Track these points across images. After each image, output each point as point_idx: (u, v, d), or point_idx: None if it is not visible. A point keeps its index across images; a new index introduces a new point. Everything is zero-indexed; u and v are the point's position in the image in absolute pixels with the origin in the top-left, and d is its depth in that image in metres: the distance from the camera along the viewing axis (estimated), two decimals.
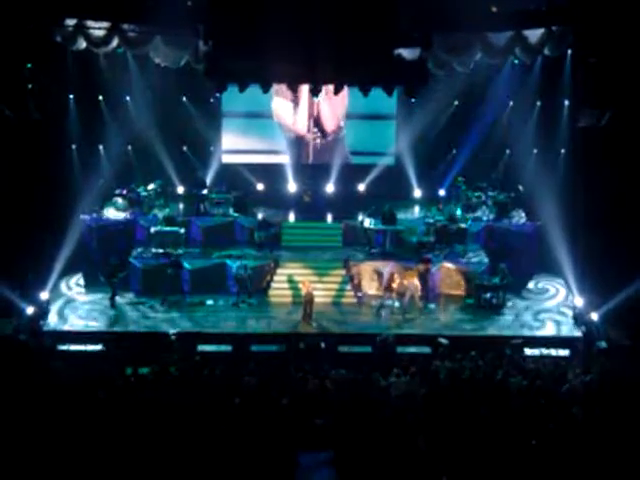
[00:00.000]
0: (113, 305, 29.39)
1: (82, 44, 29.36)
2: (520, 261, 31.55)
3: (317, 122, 36.36)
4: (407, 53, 26.46)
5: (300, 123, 36.37)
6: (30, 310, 27.71)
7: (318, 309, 29.29)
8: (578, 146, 30.59)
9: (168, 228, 31.77)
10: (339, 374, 22.01)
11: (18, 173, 29.60)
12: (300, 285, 29.41)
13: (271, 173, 36.24)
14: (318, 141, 36.66)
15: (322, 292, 30.33)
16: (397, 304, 29.58)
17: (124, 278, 30.03)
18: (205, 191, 34.08)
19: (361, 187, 35.96)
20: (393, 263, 30.86)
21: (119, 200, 33.40)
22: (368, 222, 32.55)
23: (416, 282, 29.37)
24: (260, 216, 32.97)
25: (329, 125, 36.46)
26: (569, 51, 30.58)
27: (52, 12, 28.19)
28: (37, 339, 26.83)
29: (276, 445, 16.97)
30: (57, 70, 30.64)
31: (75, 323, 28.51)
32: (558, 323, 28.88)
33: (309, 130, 36.40)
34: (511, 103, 34.57)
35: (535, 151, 33.67)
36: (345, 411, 19.03)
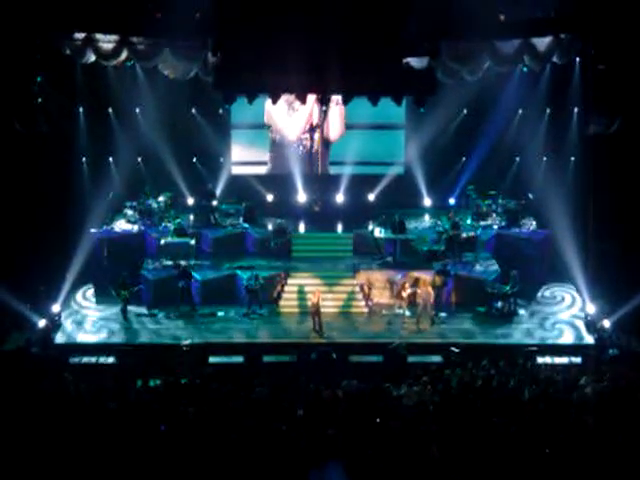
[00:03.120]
0: (125, 318, 29.39)
1: (91, 57, 29.44)
2: (531, 269, 31.52)
3: (313, 129, 36.46)
4: (415, 62, 26.52)
5: (293, 128, 36.46)
6: (42, 323, 27.76)
7: (329, 319, 29.32)
8: (588, 153, 30.55)
9: (178, 239, 31.83)
10: (351, 384, 21.97)
11: (28, 186, 29.65)
12: (311, 295, 29.33)
13: (280, 184, 36.27)
14: (301, 149, 36.75)
15: (333, 302, 30.38)
16: (408, 313, 29.59)
17: (136, 293, 30.04)
18: (215, 202, 34.23)
19: (371, 197, 35.96)
20: (404, 272, 30.85)
21: (129, 212, 33.54)
22: (378, 231, 32.57)
23: (430, 290, 29.36)
24: (276, 223, 33.16)
25: (333, 134, 36.57)
26: (578, 58, 30.58)
27: (61, 26, 28.30)
28: (49, 352, 26.89)
29: (288, 456, 16.95)
30: (66, 83, 30.75)
31: (86, 335, 28.57)
32: (569, 330, 28.84)
33: (299, 136, 36.53)
34: (520, 111, 34.59)
35: (545, 159, 33.67)
36: (357, 421, 18.99)
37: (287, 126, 36.46)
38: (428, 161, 36.07)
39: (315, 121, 36.29)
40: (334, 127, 36.55)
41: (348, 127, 36.47)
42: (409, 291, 29.77)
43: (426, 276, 30.50)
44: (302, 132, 36.48)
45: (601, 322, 27.83)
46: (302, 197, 35.70)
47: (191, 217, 35.07)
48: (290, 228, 33.60)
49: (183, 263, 30.83)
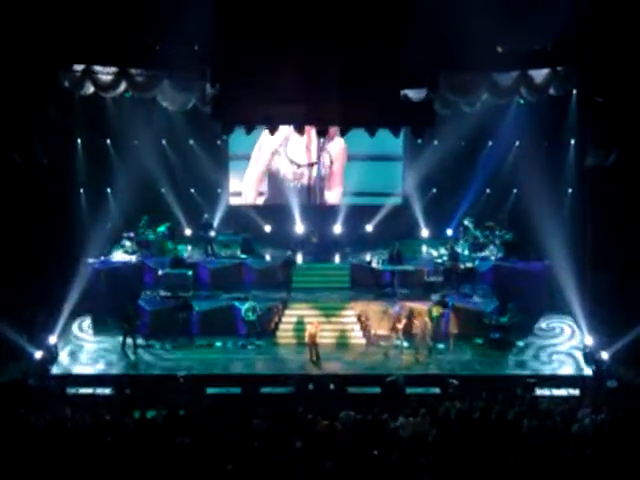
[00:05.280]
0: (124, 350, 29.26)
1: (90, 89, 29.61)
2: (529, 300, 31.47)
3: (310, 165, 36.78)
4: (413, 94, 26.61)
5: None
6: (38, 354, 27.65)
7: (326, 350, 29.25)
8: (585, 185, 30.61)
9: (176, 270, 31.82)
10: (348, 415, 21.89)
11: (26, 217, 29.68)
12: (309, 326, 29.23)
13: (278, 214, 36.29)
14: (296, 183, 36.88)
15: (330, 333, 30.33)
16: (406, 344, 29.52)
17: (137, 325, 29.96)
18: (213, 233, 34.20)
19: (369, 227, 35.99)
20: (401, 303, 30.82)
21: (127, 243, 33.57)
22: (376, 262, 32.56)
23: (427, 321, 29.33)
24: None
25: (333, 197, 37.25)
26: (574, 91, 30.72)
27: (60, 57, 28.44)
28: (45, 383, 26.78)
29: None
30: (65, 115, 30.81)
31: (83, 367, 28.47)
32: (568, 362, 28.78)
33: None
34: (517, 143, 34.68)
35: (542, 190, 33.69)
36: (355, 453, 18.90)
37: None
38: (426, 192, 36.14)
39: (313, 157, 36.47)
40: (333, 189, 36.95)
41: (347, 158, 36.65)
42: (404, 322, 29.71)
43: (423, 307, 30.48)
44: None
45: (599, 354, 27.76)
46: (300, 228, 35.72)
47: (189, 248, 35.06)
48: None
49: (184, 294, 30.81)
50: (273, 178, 36.82)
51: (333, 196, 37.01)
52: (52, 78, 28.84)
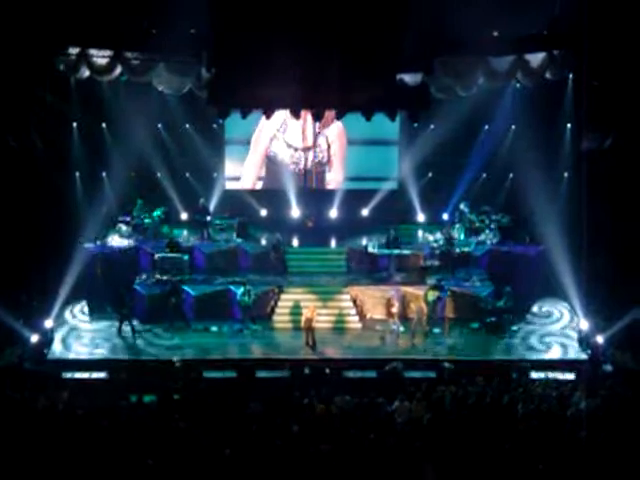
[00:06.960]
0: (120, 335, 29.26)
1: (85, 72, 29.45)
2: (524, 284, 31.52)
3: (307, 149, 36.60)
4: (409, 78, 26.49)
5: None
6: (34, 338, 27.65)
7: (322, 334, 29.28)
8: (581, 169, 30.56)
9: (172, 254, 31.78)
10: (344, 399, 21.94)
11: (22, 202, 29.63)
12: (306, 310, 29.23)
13: (274, 199, 36.22)
14: (294, 167, 36.65)
15: (326, 317, 30.35)
16: (402, 328, 29.54)
17: (131, 308, 29.95)
18: (208, 217, 34.14)
19: (364, 212, 35.95)
20: (397, 287, 30.84)
21: (123, 227, 33.51)
22: (372, 246, 32.54)
23: (423, 306, 29.36)
24: (275, 237, 33.01)
25: (335, 181, 36.95)
26: (571, 75, 30.69)
27: (55, 41, 28.30)
28: (41, 367, 26.79)
29: (282, 472, 16.91)
30: (60, 99, 30.72)
31: (79, 351, 28.48)
32: (563, 346, 28.84)
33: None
34: (513, 127, 34.61)
35: (538, 175, 33.67)
36: (351, 437, 18.94)
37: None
38: (422, 176, 36.09)
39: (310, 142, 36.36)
40: (333, 173, 36.81)
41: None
42: (397, 307, 29.73)
43: (419, 291, 30.51)
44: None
45: (595, 338, 27.82)
46: (295, 212, 35.68)
47: (185, 232, 35.01)
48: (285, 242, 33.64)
49: (173, 279, 30.80)
50: (271, 162, 36.65)
51: (333, 180, 36.82)
52: (47, 62, 28.70)
